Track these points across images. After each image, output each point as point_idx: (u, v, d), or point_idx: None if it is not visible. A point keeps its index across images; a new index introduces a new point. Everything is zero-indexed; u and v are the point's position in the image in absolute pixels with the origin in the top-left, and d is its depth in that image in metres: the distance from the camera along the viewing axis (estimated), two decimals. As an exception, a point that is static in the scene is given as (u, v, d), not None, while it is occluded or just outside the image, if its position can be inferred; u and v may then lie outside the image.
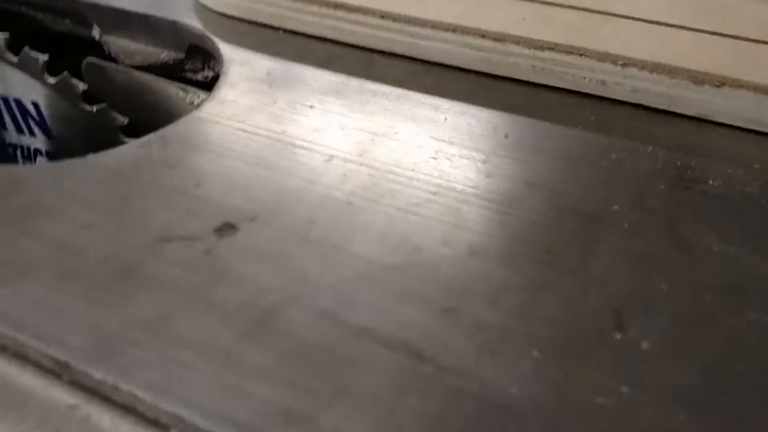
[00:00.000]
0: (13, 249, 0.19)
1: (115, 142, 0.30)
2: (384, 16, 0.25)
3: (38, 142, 0.34)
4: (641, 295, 0.17)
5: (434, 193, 0.20)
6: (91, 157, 0.22)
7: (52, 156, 0.34)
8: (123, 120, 0.29)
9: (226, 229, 0.19)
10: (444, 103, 0.24)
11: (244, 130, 0.23)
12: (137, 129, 0.30)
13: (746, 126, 0.22)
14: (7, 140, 0.35)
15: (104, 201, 0.20)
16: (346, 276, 0.18)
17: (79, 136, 0.31)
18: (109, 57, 0.31)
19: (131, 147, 0.22)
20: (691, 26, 0.24)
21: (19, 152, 0.35)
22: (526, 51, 0.24)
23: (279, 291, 0.17)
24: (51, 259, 0.18)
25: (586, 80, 0.23)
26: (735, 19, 0.24)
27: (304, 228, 0.19)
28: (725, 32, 0.23)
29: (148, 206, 0.20)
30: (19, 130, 0.35)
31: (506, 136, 0.23)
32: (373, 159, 0.22)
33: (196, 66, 0.29)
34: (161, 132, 0.23)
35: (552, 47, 0.23)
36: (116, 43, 0.30)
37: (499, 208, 0.20)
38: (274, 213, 0.20)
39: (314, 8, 0.26)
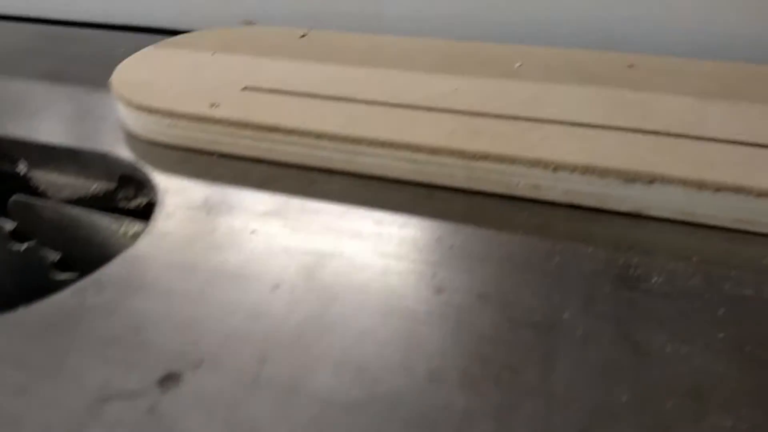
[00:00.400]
0: (-64, 426, 0.17)
1: (46, 279, 0.29)
2: (319, 136, 0.25)
3: (-37, 284, 0.32)
4: (604, 410, 0.17)
5: (387, 315, 0.20)
6: (21, 311, 0.21)
7: (-22, 298, 0.32)
8: (55, 256, 0.28)
9: (170, 380, 0.18)
10: (386, 216, 0.24)
11: (184, 265, 0.22)
12: (71, 263, 0.29)
13: (680, 218, 0.23)
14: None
15: (38, 360, 0.19)
16: (302, 422, 0.17)
17: (8, 276, 0.30)
18: (36, 192, 0.30)
19: (65, 295, 0.21)
20: (614, 125, 0.24)
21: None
22: (460, 162, 0.24)
23: (232, 448, 0.16)
24: (-21, 432, 0.17)
25: (520, 185, 0.24)
26: (652, 114, 0.25)
27: (254, 369, 0.18)
28: (646, 128, 0.24)
29: (86, 361, 0.19)
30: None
31: (451, 247, 0.23)
32: (321, 283, 0.21)
33: (129, 194, 0.29)
34: (96, 275, 0.22)
35: (484, 157, 0.24)
36: (44, 177, 0.30)
37: (452, 325, 0.20)
38: (220, 356, 0.19)
39: (248, 132, 0.26)
